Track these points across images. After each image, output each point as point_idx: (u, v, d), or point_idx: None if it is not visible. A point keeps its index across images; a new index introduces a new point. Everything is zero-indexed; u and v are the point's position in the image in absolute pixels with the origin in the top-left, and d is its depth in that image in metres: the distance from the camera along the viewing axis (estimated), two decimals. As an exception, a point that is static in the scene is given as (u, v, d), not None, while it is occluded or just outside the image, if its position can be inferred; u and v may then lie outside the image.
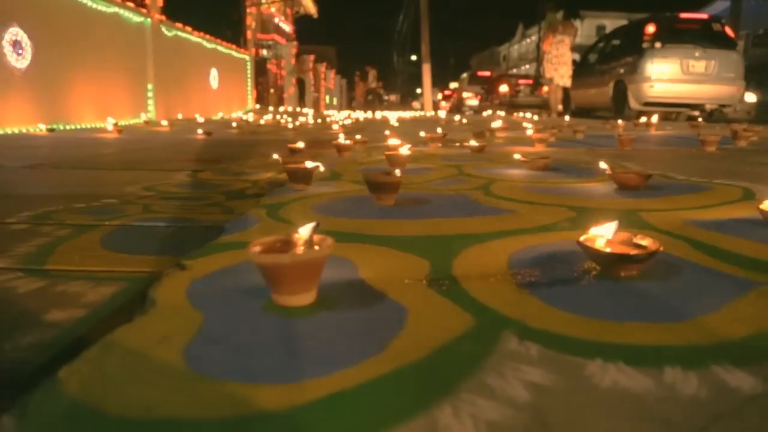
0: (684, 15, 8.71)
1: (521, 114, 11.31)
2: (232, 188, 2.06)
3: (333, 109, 23.05)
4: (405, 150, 2.33)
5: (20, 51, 5.32)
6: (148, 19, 8.17)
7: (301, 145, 3.13)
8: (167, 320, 0.75)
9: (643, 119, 5.16)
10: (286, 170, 1.90)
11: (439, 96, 27.77)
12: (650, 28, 8.32)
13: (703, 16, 8.97)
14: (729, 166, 2.43)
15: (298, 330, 0.70)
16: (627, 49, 8.72)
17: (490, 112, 14.03)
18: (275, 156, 2.62)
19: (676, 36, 8.16)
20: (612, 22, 26.90)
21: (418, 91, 19.72)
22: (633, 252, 0.86)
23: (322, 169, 1.96)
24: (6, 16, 5.15)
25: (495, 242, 1.08)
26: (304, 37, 26.28)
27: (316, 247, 0.79)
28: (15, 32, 5.24)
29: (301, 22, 25.78)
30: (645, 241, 0.90)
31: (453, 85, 29.59)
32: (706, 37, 8.21)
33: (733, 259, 0.97)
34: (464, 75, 23.97)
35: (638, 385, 0.54)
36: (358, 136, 3.75)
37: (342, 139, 3.23)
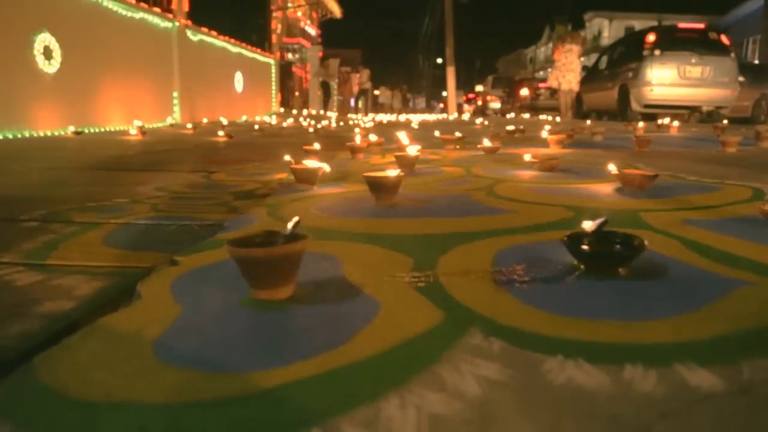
0: (682, 25, 9.62)
1: (543, 116, 11.24)
2: (242, 189, 2.09)
3: (358, 112, 23.13)
4: (414, 151, 2.33)
5: (50, 57, 5.49)
6: (175, 24, 8.34)
7: (316, 146, 3.16)
8: (147, 312, 0.77)
9: (666, 120, 5.06)
10: (292, 171, 1.92)
11: (461, 99, 27.63)
12: (650, 37, 9.09)
13: (700, 25, 9.78)
14: (746, 166, 2.37)
15: (268, 323, 0.71)
16: (630, 56, 9.43)
17: (513, 114, 13.95)
18: (287, 158, 2.64)
19: (674, 44, 8.91)
20: (641, 23, 26.34)
21: (444, 93, 19.67)
22: (616, 250, 0.85)
23: (328, 169, 1.98)
24: (37, 24, 5.32)
25: (484, 241, 1.07)
26: (329, 41, 26.48)
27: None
28: (45, 38, 5.41)
29: (327, 25, 26.00)
30: (632, 240, 0.88)
31: (479, 88, 29.45)
32: (702, 44, 8.93)
33: (724, 258, 0.95)
34: (489, 78, 23.96)
35: (593, 383, 0.53)
36: (374, 138, 3.76)
37: (356, 141, 3.24)
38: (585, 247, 0.86)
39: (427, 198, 1.60)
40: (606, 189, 1.73)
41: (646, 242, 0.86)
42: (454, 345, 0.62)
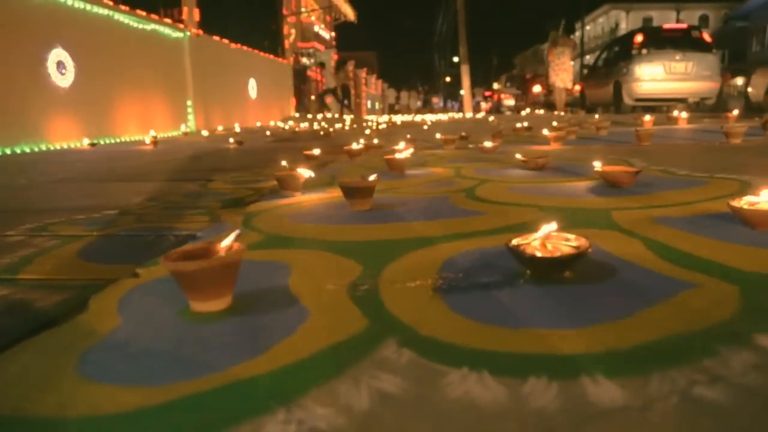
0: (667, 26, 11.04)
1: (556, 112, 11.24)
2: (232, 197, 2.10)
3: (375, 114, 23.19)
4: (404, 154, 2.32)
5: (63, 71, 5.63)
6: (186, 34, 8.48)
7: (316, 151, 3.18)
8: (87, 325, 0.79)
9: (676, 113, 4.95)
10: (276, 179, 1.93)
11: (478, 97, 27.65)
12: (638, 38, 10.19)
13: (683, 26, 11.08)
14: (745, 158, 2.30)
15: (195, 335, 0.71)
16: (622, 55, 10.55)
17: (528, 111, 13.87)
18: (283, 163, 2.66)
19: (660, 43, 9.98)
20: (660, 14, 25.77)
21: (462, 92, 19.61)
22: (557, 254, 0.83)
23: (312, 175, 1.98)
24: (50, 40, 5.47)
25: (439, 246, 1.07)
26: (344, 44, 26.58)
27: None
28: (58, 53, 5.55)
29: (342, 28, 26.09)
30: (578, 243, 0.87)
31: (496, 85, 29.39)
32: (686, 42, 9.97)
33: (682, 259, 0.92)
34: (503, 76, 24.01)
35: (487, 396, 0.52)
36: (375, 141, 3.77)
37: (355, 145, 3.25)
38: (523, 251, 0.85)
39: (403, 202, 1.59)
40: (587, 187, 1.70)
41: (589, 248, 0.84)
42: (364, 357, 0.61)
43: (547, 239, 0.88)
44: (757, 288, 0.79)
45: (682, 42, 10.00)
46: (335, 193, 1.86)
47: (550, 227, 0.89)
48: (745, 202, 1.13)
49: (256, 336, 0.69)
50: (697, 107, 10.32)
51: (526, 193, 1.64)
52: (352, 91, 16.52)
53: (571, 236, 0.89)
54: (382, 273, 0.92)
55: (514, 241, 0.90)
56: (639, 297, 0.77)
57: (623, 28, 26.60)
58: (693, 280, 0.82)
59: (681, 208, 1.32)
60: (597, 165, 1.73)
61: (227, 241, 0.83)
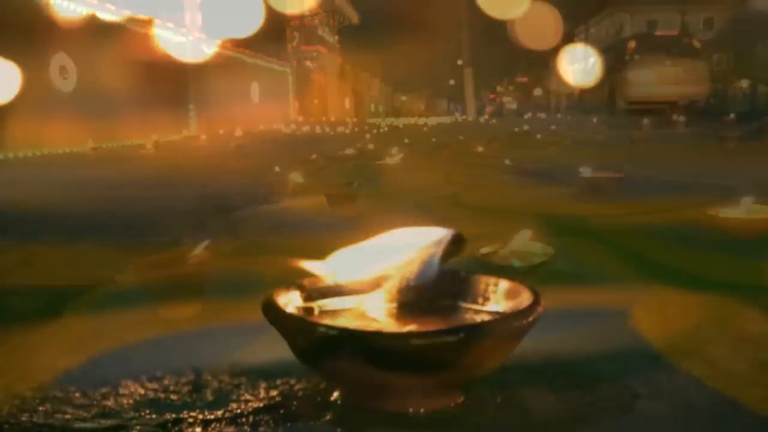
0: (659, 33, 11.96)
1: (559, 115, 11.35)
2: (223, 202, 2.11)
3: (378, 117, 23.24)
4: (395, 159, 2.34)
5: (65, 76, 5.68)
6: (188, 38, 8.53)
7: (312, 156, 3.21)
8: (61, 334, 0.80)
9: (676, 116, 4.96)
10: (266, 184, 1.95)
11: (484, 100, 27.79)
12: (631, 44, 10.91)
13: (674, 32, 12.06)
14: (737, 163, 2.30)
15: (163, 342, 0.72)
16: (616, 60, 11.10)
17: (530, 114, 13.94)
18: (276, 169, 2.68)
19: (652, 49, 10.56)
20: (665, 17, 25.63)
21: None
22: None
23: (302, 181, 2.00)
24: (53, 46, 5.52)
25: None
26: (349, 47, 26.64)
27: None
28: (61, 58, 5.60)
29: (347, 32, 26.15)
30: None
31: (499, 89, 29.53)
32: (677, 49, 10.55)
33: (650, 268, 0.92)
34: (505, 79, 24.17)
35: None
36: (370, 146, 3.78)
37: (349, 150, 3.27)
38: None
39: (386, 208, 1.60)
40: (571, 193, 1.70)
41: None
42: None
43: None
44: (722, 298, 0.79)
45: (673, 48, 10.59)
46: (321, 199, 1.87)
47: (524, 235, 0.90)
48: (722, 210, 1.13)
49: (218, 346, 0.70)
50: (688, 110, 10.74)
51: (511, 199, 1.65)
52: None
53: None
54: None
55: (483, 250, 0.90)
56: (598, 308, 0.77)
57: (628, 31, 26.48)
58: (657, 291, 0.82)
59: (660, 215, 1.32)
60: (583, 171, 1.73)
61: (198, 250, 0.85)
